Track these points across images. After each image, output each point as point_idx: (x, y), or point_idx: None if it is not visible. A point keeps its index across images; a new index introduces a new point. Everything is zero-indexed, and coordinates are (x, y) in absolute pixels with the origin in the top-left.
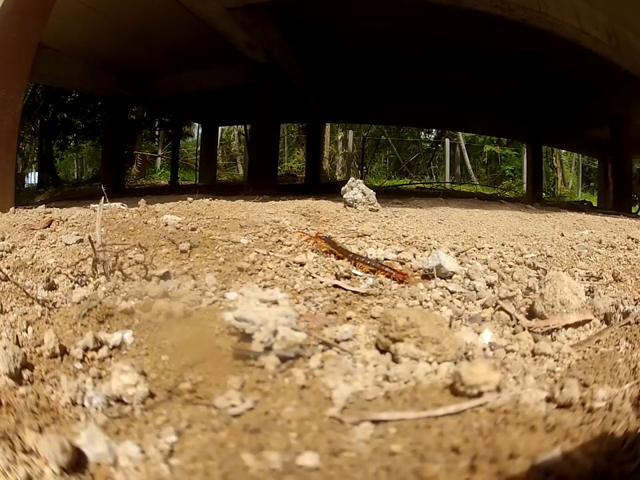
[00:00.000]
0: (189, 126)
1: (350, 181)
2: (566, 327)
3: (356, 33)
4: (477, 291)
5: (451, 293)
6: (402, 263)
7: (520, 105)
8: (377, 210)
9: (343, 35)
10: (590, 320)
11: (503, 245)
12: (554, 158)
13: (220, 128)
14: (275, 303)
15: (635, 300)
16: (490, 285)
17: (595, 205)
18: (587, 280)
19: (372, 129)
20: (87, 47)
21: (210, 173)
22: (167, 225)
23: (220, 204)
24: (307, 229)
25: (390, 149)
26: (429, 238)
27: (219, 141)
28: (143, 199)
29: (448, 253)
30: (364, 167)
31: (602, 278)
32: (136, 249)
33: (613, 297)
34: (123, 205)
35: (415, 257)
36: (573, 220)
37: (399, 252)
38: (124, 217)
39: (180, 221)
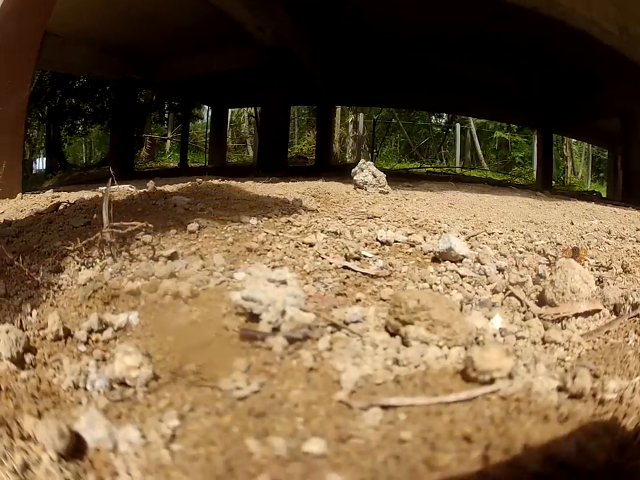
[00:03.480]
0: (199, 108)
1: (360, 162)
2: (576, 315)
3: (367, 16)
4: (487, 276)
5: (462, 276)
6: (412, 245)
7: (530, 92)
8: (387, 192)
9: (353, 18)
10: (600, 310)
11: (513, 230)
12: (564, 146)
13: (230, 110)
14: (284, 282)
15: None
16: (500, 270)
17: (604, 195)
18: (597, 269)
19: (382, 112)
20: (94, 32)
21: (220, 155)
22: (175, 206)
23: (229, 185)
24: (316, 209)
25: (400, 132)
26: (439, 221)
27: (229, 123)
28: (151, 181)
29: (458, 236)
30: (374, 150)
31: (611, 268)
32: (144, 230)
33: (622, 288)
34: (131, 187)
35: (425, 239)
36: (583, 209)
37: (409, 234)
38: (132, 198)
39: (189, 202)
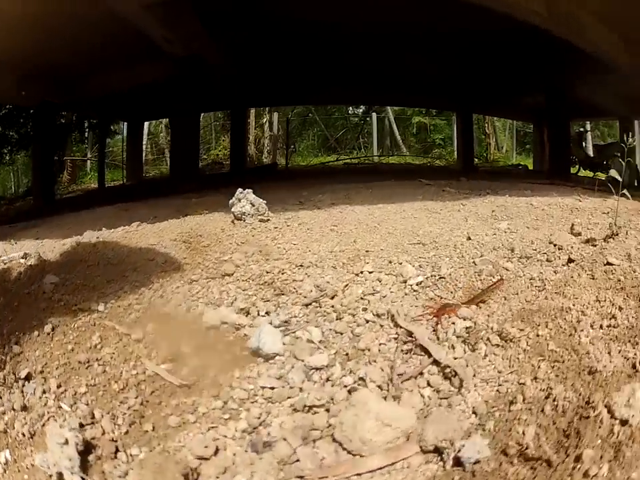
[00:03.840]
0: (117, 123)
1: (237, 192)
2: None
3: (281, 16)
4: (290, 387)
5: (262, 388)
6: (237, 329)
7: (451, 77)
8: (268, 220)
9: (267, 19)
10: (408, 457)
11: (390, 262)
12: (486, 125)
13: (147, 123)
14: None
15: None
16: (316, 370)
17: (530, 168)
18: (461, 342)
19: (299, 108)
20: (9, 58)
21: (137, 170)
22: (44, 293)
23: (105, 244)
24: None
25: (318, 126)
26: (301, 266)
27: (147, 135)
28: (36, 241)
29: (277, 326)
30: (292, 147)
31: (486, 337)
32: None
33: (459, 420)
34: (19, 259)
35: (258, 314)
36: (492, 207)
37: (242, 309)
38: (4, 282)
39: (56, 284)
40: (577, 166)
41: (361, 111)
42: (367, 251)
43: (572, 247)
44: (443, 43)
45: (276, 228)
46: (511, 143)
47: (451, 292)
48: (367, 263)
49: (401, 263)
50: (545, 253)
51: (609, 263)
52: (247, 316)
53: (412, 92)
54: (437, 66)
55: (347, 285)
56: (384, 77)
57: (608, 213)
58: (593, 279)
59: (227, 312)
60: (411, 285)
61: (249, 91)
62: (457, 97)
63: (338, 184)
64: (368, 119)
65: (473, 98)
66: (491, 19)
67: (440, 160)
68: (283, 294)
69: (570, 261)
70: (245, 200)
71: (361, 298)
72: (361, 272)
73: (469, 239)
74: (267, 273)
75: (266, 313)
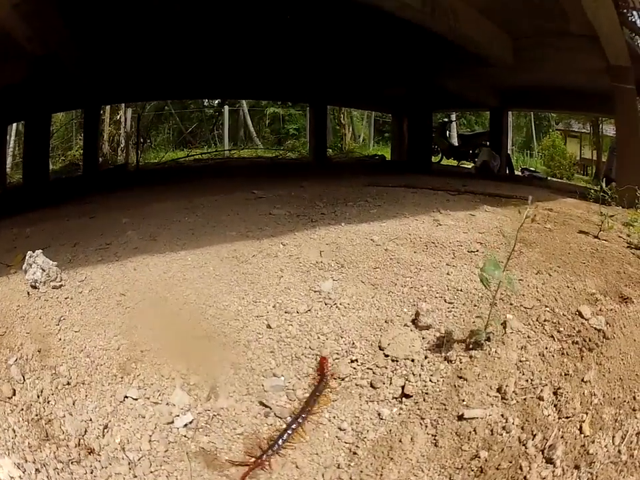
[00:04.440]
0: None
1: (27, 256)
2: None
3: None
4: None
5: None
6: None
7: (300, 67)
8: (62, 286)
9: (123, 17)
10: None
11: (161, 378)
12: (342, 115)
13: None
14: None
15: None
16: None
17: (388, 158)
18: None
19: (154, 102)
20: None
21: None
22: None
23: None
24: None
25: (173, 119)
26: (68, 385)
27: (13, 137)
28: None
29: None
30: (148, 141)
31: None
32: None
33: None
34: None
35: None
36: (321, 245)
37: None
38: None
39: None
40: (440, 155)
41: (216, 102)
42: (142, 352)
43: (413, 365)
44: (293, 34)
45: (67, 299)
46: (368, 132)
47: (228, 440)
48: (137, 376)
49: (173, 383)
50: (370, 369)
51: (462, 418)
52: None
53: (264, 84)
54: (289, 59)
55: (106, 426)
56: (236, 69)
57: (477, 250)
58: (436, 446)
59: None
60: (178, 429)
61: (102, 88)
62: (310, 89)
63: (165, 200)
64: (223, 110)
65: (327, 90)
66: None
67: (292, 152)
68: (47, 439)
69: (405, 396)
70: (35, 265)
71: (122, 448)
72: (126, 397)
73: (269, 327)
74: (37, 398)
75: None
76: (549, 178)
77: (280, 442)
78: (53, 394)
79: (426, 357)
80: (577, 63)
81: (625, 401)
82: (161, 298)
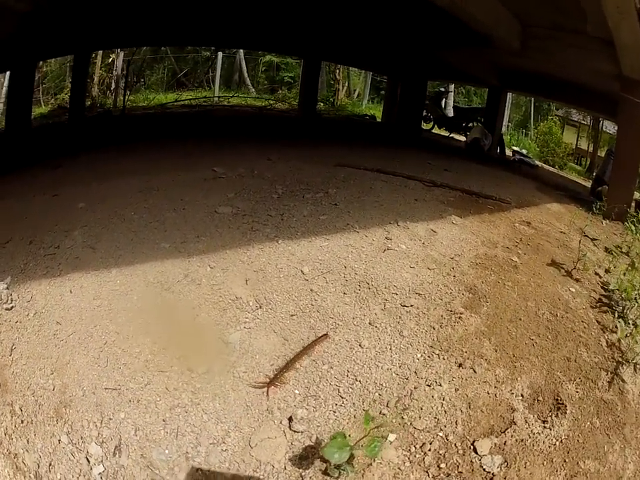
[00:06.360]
0: None
1: None
2: None
3: None
4: None
5: None
6: None
7: (295, 20)
8: (13, 307)
9: None
10: None
11: (83, 428)
12: (337, 70)
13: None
14: None
15: None
16: None
17: (379, 119)
18: None
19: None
20: None
21: None
22: None
23: None
24: None
25: (169, 59)
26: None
27: (5, 84)
28: None
29: None
30: (141, 81)
31: None
32: None
33: None
34: None
35: None
36: (248, 273)
37: None
38: None
39: None
40: (432, 123)
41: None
42: (70, 397)
43: (271, 472)
44: None
45: (17, 323)
46: (363, 88)
47: None
48: (67, 421)
49: (91, 433)
50: (236, 466)
51: None
52: None
53: (257, 35)
54: (285, 10)
55: (50, 464)
56: (230, 17)
57: (412, 306)
58: None
59: None
60: (95, 476)
61: (91, 34)
62: (304, 42)
63: (126, 175)
64: (216, 55)
65: (322, 45)
66: None
67: (283, 103)
68: (18, 470)
69: None
70: None
71: None
72: (59, 440)
73: (167, 389)
74: (4, 435)
75: None
76: (539, 165)
77: None
78: (13, 432)
79: (285, 468)
80: (586, 62)
81: None
82: (87, 334)
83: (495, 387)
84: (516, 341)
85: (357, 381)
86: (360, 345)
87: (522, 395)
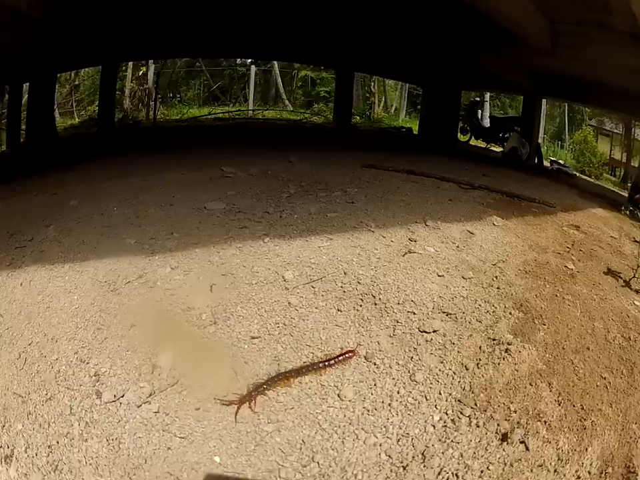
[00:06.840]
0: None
1: None
2: None
3: None
4: None
5: None
6: None
7: (329, 32)
8: None
9: None
10: None
11: None
12: (372, 83)
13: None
14: None
15: None
16: None
17: (415, 132)
18: None
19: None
20: None
21: (14, 137)
22: None
23: None
24: None
25: (204, 75)
26: None
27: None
28: None
29: None
30: (177, 96)
31: None
32: None
33: None
34: None
35: None
36: (215, 277)
37: None
38: None
39: None
40: (469, 135)
41: (249, 61)
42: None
43: None
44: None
45: None
46: (399, 103)
47: None
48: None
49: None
50: None
51: None
52: None
53: (291, 47)
54: (319, 22)
55: None
56: (266, 30)
57: (437, 331)
58: None
59: None
60: None
61: (118, 45)
62: (337, 54)
63: (128, 176)
64: (249, 70)
65: (355, 56)
66: None
67: (319, 116)
68: None
69: None
70: None
71: None
72: None
73: (72, 411)
74: None
75: None
76: (577, 174)
77: None
78: None
79: None
80: (613, 58)
81: None
82: (19, 331)
83: (556, 472)
84: (585, 383)
85: (313, 461)
86: (339, 395)
87: (589, 472)
